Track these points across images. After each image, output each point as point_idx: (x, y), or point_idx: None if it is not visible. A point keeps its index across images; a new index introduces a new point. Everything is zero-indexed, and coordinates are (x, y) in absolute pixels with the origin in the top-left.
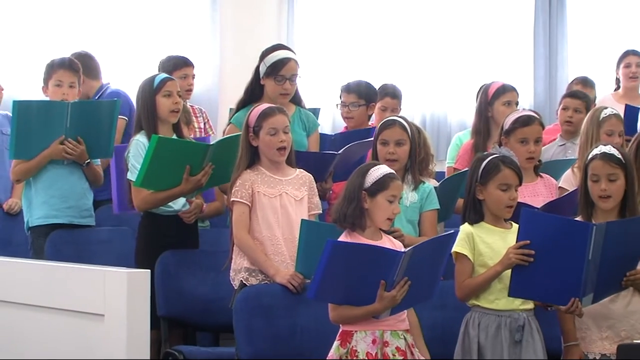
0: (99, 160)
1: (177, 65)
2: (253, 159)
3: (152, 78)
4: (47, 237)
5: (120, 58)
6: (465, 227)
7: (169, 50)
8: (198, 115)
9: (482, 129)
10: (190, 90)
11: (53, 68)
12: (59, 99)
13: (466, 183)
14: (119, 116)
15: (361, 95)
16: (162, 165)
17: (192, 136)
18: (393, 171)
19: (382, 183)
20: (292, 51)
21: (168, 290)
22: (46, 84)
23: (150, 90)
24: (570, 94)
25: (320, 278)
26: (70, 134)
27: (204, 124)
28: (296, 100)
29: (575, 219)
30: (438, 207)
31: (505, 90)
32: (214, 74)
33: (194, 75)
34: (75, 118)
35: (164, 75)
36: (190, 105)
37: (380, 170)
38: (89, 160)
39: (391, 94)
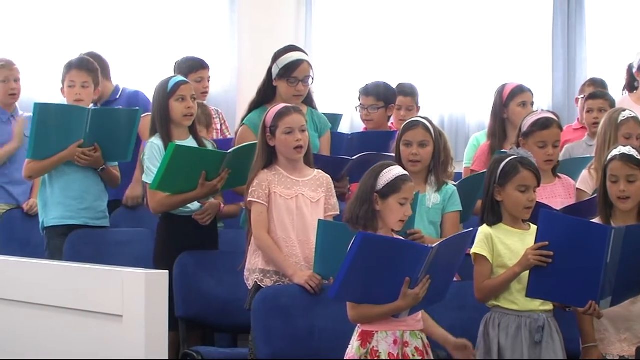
0: (116, 163)
1: (193, 68)
2: (270, 158)
3: (167, 81)
4: (62, 237)
5: (139, 59)
6: (484, 229)
7: (187, 51)
8: (215, 116)
9: (497, 131)
10: (206, 92)
11: (67, 69)
12: (73, 100)
13: (484, 184)
14: (146, 114)
15: (380, 97)
16: (178, 171)
17: (211, 138)
18: (406, 172)
19: (394, 185)
20: (305, 53)
21: (186, 292)
22: (63, 85)
23: (164, 94)
24: (591, 96)
25: (346, 273)
26: (89, 139)
27: (221, 125)
28: (308, 101)
29: (594, 219)
30: (460, 208)
31: (520, 91)
32: (232, 75)
33: (210, 77)
34: (95, 124)
35: (178, 78)
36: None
37: (393, 172)
38: (104, 166)
39: (404, 92)
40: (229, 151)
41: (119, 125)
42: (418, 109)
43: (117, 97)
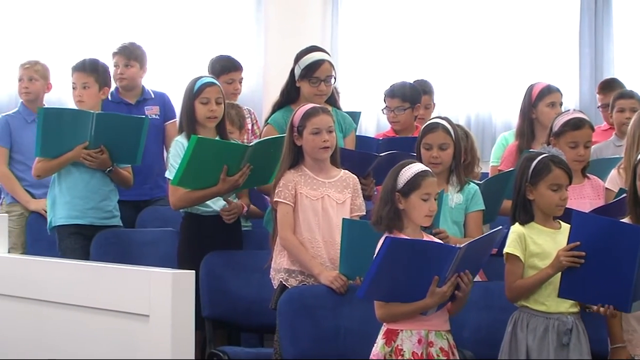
0: (127, 164)
1: (225, 69)
2: (297, 158)
3: (194, 82)
4: (71, 237)
5: (165, 58)
6: (516, 228)
7: (214, 50)
8: (246, 116)
9: (526, 131)
10: (236, 94)
11: (72, 70)
12: (76, 101)
13: (515, 183)
14: (173, 120)
15: (405, 98)
16: (199, 165)
17: (245, 140)
18: (426, 168)
19: (414, 182)
20: (327, 53)
21: (213, 291)
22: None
23: (190, 94)
24: (621, 95)
25: (374, 275)
26: (95, 141)
27: (252, 125)
28: (332, 101)
29: (624, 219)
30: (483, 207)
31: (549, 91)
32: (258, 74)
33: (242, 78)
34: (100, 127)
35: (205, 80)
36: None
37: (412, 169)
38: (111, 168)
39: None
40: (250, 144)
41: (125, 130)
42: (434, 105)
43: (152, 96)
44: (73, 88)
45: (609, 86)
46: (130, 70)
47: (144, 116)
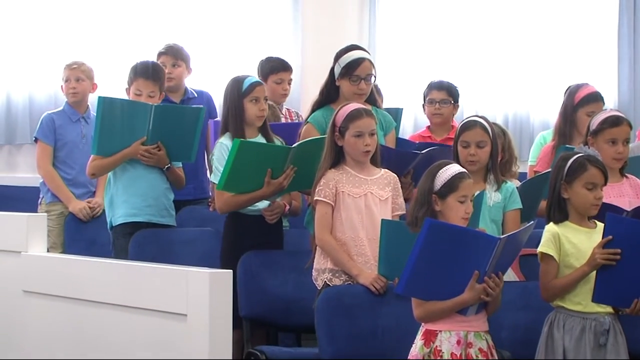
0: (180, 162)
1: (274, 69)
2: (338, 158)
3: (241, 81)
4: (127, 236)
5: (202, 57)
6: (550, 227)
7: (250, 50)
8: (294, 118)
9: (566, 132)
10: (285, 95)
11: (136, 75)
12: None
13: (550, 182)
14: (216, 118)
15: (451, 93)
16: (244, 168)
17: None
18: (463, 170)
19: (452, 185)
20: (367, 51)
21: (250, 291)
22: (129, 87)
23: (238, 94)
24: None
25: (414, 264)
26: (152, 136)
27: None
28: (372, 100)
29: None
30: (521, 206)
31: (592, 100)
32: (296, 73)
33: (291, 79)
34: (158, 121)
35: (253, 79)
36: (287, 109)
37: (449, 171)
38: (169, 165)
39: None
40: (294, 146)
41: (182, 123)
42: (457, 107)
43: (195, 95)
44: (136, 94)
45: None
46: (177, 70)
47: (200, 106)
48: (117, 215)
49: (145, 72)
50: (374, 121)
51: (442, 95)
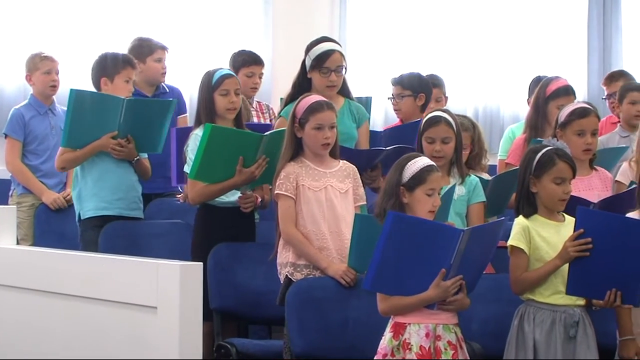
0: (146, 154)
1: (246, 62)
2: (297, 150)
3: (212, 74)
4: (96, 229)
5: (174, 51)
6: (520, 221)
7: (221, 44)
8: (265, 111)
9: (538, 124)
10: (255, 88)
11: (122, 64)
12: (125, 95)
13: (519, 175)
14: (184, 114)
15: (405, 86)
16: (215, 156)
17: None
18: (432, 163)
19: (420, 177)
20: (337, 43)
21: (221, 283)
22: (111, 78)
23: (208, 86)
24: (636, 88)
25: (379, 258)
26: (123, 130)
27: (270, 120)
28: (344, 92)
29: (634, 212)
30: (484, 199)
31: (563, 93)
32: (267, 67)
33: (262, 73)
34: (129, 114)
35: (223, 72)
36: (258, 102)
37: (418, 163)
38: (137, 157)
39: (433, 83)
40: (266, 134)
41: (152, 116)
42: (446, 99)
43: (167, 90)
44: (126, 81)
45: (617, 77)
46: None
47: (170, 99)
48: (87, 208)
49: (131, 61)
50: (335, 114)
51: (397, 90)
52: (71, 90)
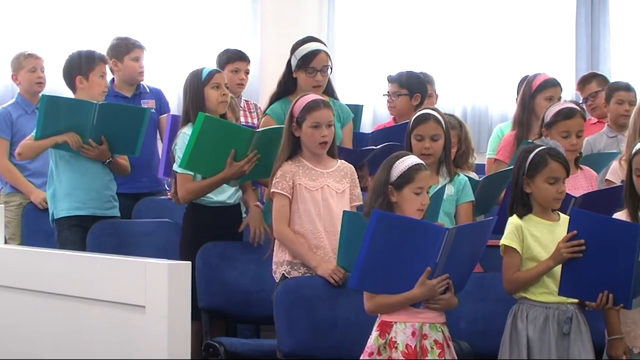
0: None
1: (231, 59)
2: (294, 149)
3: (200, 71)
4: (72, 228)
5: (159, 50)
6: (513, 220)
7: (209, 42)
8: (252, 110)
9: (524, 120)
10: (242, 85)
11: (96, 61)
12: (102, 91)
13: (512, 175)
14: (166, 114)
15: (402, 85)
16: (207, 146)
17: None
18: (420, 162)
19: (408, 176)
20: (323, 43)
21: (209, 282)
22: (85, 76)
23: (198, 83)
24: (623, 87)
25: (364, 257)
26: (96, 132)
27: (257, 119)
28: (329, 92)
29: (621, 212)
30: (473, 199)
31: (550, 85)
32: (255, 65)
33: (248, 70)
34: (102, 118)
35: (211, 68)
36: (246, 100)
37: (406, 162)
38: (111, 159)
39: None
40: (258, 130)
41: (126, 121)
42: (436, 96)
43: (148, 90)
44: (101, 77)
45: (590, 80)
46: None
47: (145, 107)
48: (60, 208)
49: (102, 56)
50: (332, 112)
51: (393, 88)
52: (42, 95)
